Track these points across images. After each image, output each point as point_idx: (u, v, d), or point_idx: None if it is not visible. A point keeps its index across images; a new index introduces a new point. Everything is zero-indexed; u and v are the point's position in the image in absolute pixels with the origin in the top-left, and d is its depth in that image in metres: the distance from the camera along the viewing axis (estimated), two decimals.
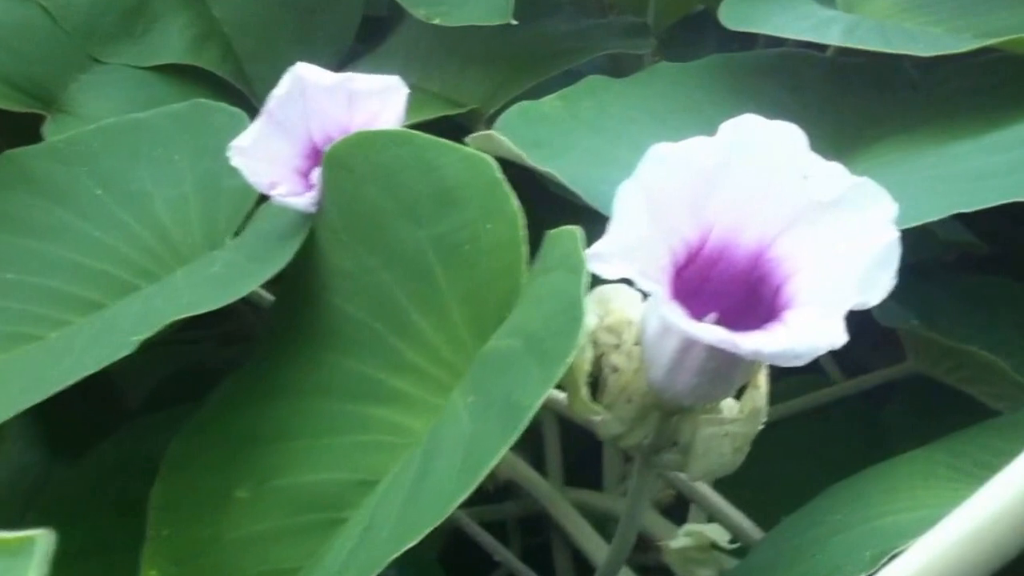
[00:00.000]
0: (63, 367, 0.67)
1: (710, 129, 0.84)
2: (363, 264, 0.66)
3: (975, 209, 0.67)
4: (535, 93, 0.92)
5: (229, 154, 0.71)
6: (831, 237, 0.49)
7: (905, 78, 0.92)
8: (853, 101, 0.91)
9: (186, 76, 1.06)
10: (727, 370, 0.52)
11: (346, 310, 0.67)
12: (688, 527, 0.73)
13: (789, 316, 0.48)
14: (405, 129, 0.69)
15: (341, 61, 1.11)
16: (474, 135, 0.79)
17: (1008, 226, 0.68)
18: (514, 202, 0.62)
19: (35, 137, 0.96)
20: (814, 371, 0.93)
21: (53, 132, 0.98)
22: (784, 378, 0.87)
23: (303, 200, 0.70)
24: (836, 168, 0.50)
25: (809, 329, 0.46)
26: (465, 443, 0.54)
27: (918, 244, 0.66)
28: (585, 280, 0.54)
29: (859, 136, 0.87)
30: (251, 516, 0.63)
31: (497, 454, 0.51)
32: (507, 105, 0.90)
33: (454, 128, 0.97)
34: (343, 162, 0.68)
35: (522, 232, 0.61)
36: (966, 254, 1.00)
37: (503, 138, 0.77)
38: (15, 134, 0.93)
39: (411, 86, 1.01)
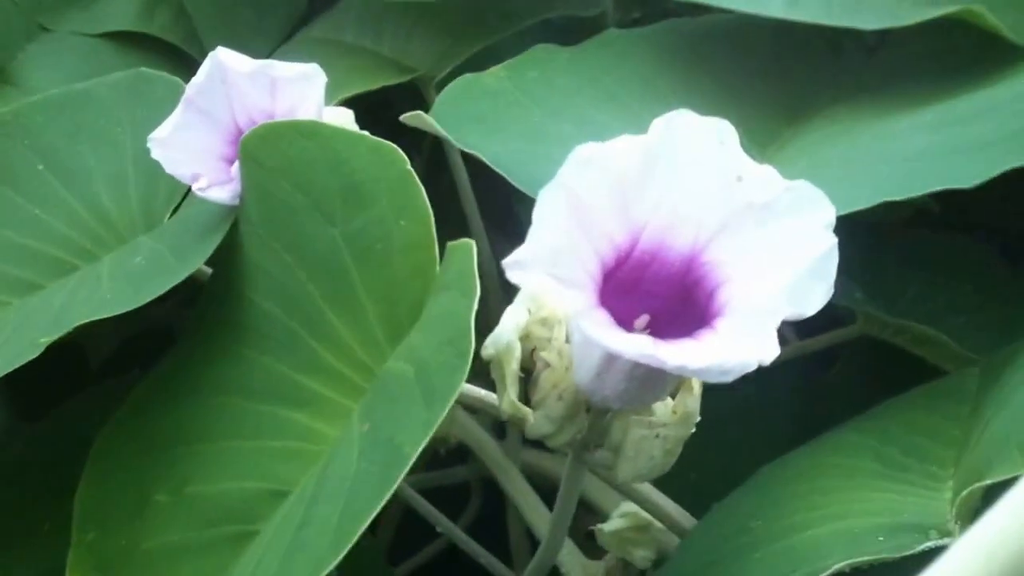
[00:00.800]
0: None
1: (656, 100, 0.83)
2: (279, 261, 0.66)
3: (902, 198, 0.66)
4: (484, 56, 0.91)
5: (149, 145, 0.70)
6: (765, 243, 0.47)
7: (860, 40, 0.89)
8: (806, 65, 0.89)
9: (137, 43, 1.05)
10: (656, 376, 0.51)
11: (264, 307, 0.66)
12: (623, 507, 0.72)
13: (720, 325, 0.46)
14: (312, 120, 0.68)
15: (296, 21, 1.10)
16: (407, 115, 0.77)
17: None
18: (424, 197, 0.61)
19: None
20: None
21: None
22: None
23: (224, 193, 0.69)
24: (769, 171, 0.48)
25: (739, 343, 0.45)
26: (349, 486, 0.54)
27: None
28: (475, 306, 0.54)
29: (810, 103, 0.85)
30: (169, 524, 0.63)
31: (374, 508, 0.51)
32: (456, 71, 0.89)
33: (409, 92, 0.96)
34: (254, 155, 0.67)
35: (432, 230, 0.60)
36: (922, 211, 0.98)
37: (430, 119, 0.76)
38: None
39: (363, 49, 1.01)
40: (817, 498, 0.60)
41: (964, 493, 0.55)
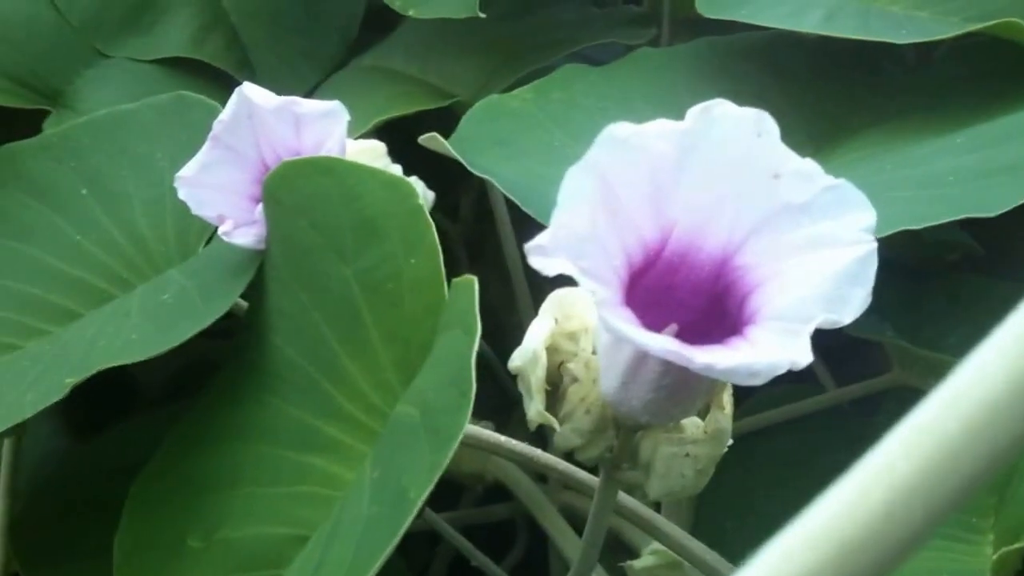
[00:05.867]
0: (7, 402, 0.68)
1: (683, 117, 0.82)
2: (298, 302, 0.66)
3: (921, 226, 0.64)
4: (529, 81, 0.90)
5: (176, 184, 0.70)
6: (801, 245, 0.44)
7: (899, 59, 0.88)
8: (841, 87, 0.87)
9: (191, 70, 1.06)
10: (684, 387, 0.49)
11: (286, 352, 0.67)
12: (654, 545, 0.71)
13: (752, 332, 0.44)
14: (329, 156, 0.68)
15: (349, 50, 1.11)
16: (424, 136, 0.78)
17: (1012, 225, 0.65)
18: (434, 234, 0.61)
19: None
20: (806, 379, 0.90)
21: (52, 128, 0.98)
22: (774, 386, 0.85)
23: (248, 237, 0.69)
24: (810, 166, 0.45)
25: (770, 347, 0.43)
26: (361, 529, 0.55)
27: (909, 244, 0.64)
28: (476, 344, 0.54)
29: (842, 126, 0.84)
30: (202, 569, 0.64)
31: (385, 551, 0.52)
32: None
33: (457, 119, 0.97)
34: (275, 195, 0.68)
35: (441, 267, 0.61)
36: (969, 255, 0.95)
37: (444, 141, 0.77)
38: (25, 132, 0.94)
39: (410, 76, 1.02)
40: None
41: (1003, 552, 0.54)
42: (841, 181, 0.45)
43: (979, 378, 0.24)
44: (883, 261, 0.44)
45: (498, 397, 0.81)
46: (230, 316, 0.71)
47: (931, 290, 0.90)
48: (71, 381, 0.66)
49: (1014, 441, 0.23)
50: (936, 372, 0.79)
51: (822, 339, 0.43)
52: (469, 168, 0.75)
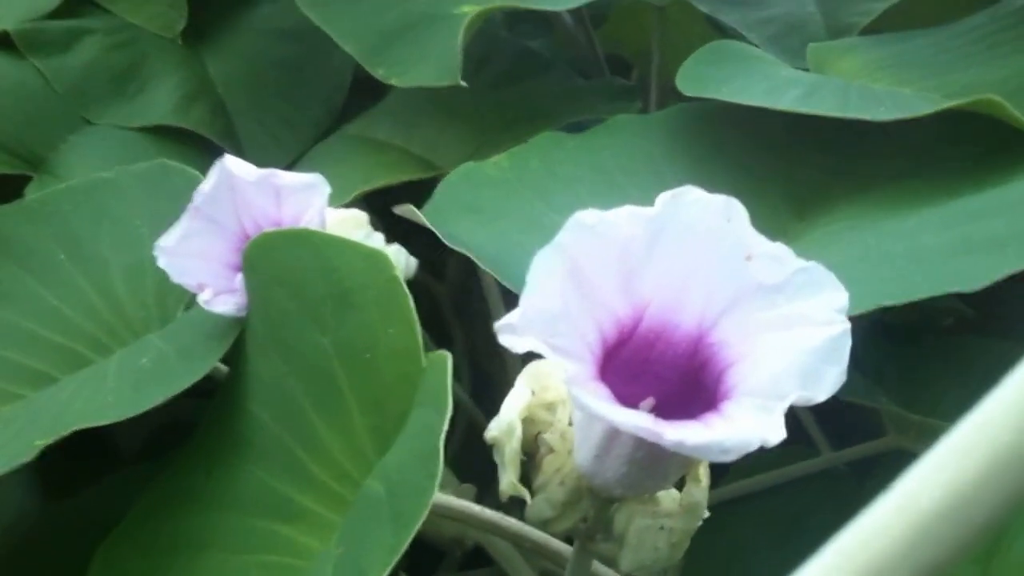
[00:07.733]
0: None
1: (660, 190, 0.83)
2: (276, 370, 0.66)
3: (899, 303, 0.64)
4: None
5: (156, 253, 0.70)
6: (775, 325, 0.45)
7: (879, 124, 0.88)
8: (820, 151, 0.87)
9: (175, 137, 1.06)
10: (658, 461, 0.49)
11: (261, 418, 0.66)
12: None
13: (727, 407, 0.44)
14: (306, 228, 0.68)
15: (333, 118, 1.12)
16: (399, 207, 0.78)
17: (1002, 285, 0.65)
18: (410, 304, 0.61)
19: None
20: (801, 442, 0.90)
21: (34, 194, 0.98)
22: (768, 448, 0.85)
23: (228, 306, 0.69)
24: (780, 250, 0.46)
25: (743, 424, 0.43)
26: None
27: (902, 310, 0.64)
28: (446, 424, 0.54)
29: (822, 194, 0.84)
30: None
31: None
32: None
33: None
34: (254, 265, 0.68)
35: (419, 337, 0.60)
36: (963, 318, 0.95)
37: (418, 212, 0.77)
38: (7, 199, 0.94)
39: (394, 146, 1.02)
40: None
41: None
42: (812, 264, 0.46)
43: (958, 455, 0.24)
44: (878, 326, 0.44)
45: (484, 457, 0.81)
46: (210, 377, 0.70)
47: (926, 354, 0.89)
48: (41, 443, 0.65)
49: (990, 518, 0.23)
50: (931, 436, 0.79)
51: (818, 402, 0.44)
52: (443, 239, 0.75)
